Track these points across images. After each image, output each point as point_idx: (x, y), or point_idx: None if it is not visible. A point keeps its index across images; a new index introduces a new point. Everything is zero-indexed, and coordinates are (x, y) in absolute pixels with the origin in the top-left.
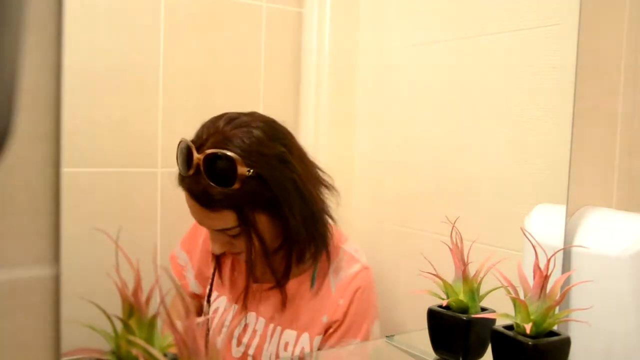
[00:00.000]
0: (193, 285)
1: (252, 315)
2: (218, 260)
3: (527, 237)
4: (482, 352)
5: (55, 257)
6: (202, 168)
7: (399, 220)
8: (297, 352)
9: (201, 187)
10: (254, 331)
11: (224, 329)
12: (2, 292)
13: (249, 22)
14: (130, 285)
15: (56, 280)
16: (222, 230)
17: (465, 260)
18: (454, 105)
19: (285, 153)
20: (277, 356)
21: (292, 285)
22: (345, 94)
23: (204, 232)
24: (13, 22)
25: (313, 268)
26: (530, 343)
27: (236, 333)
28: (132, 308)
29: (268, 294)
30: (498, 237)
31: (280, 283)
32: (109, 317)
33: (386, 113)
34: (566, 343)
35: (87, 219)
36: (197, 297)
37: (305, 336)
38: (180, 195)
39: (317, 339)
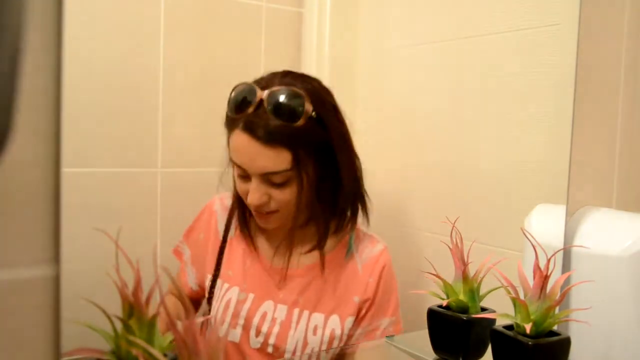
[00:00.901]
0: (192, 282)
1: (269, 304)
2: (222, 250)
3: (527, 237)
4: (482, 352)
5: (55, 257)
6: (265, 104)
7: (399, 220)
8: (327, 334)
9: (262, 121)
10: (273, 319)
11: (241, 321)
12: (2, 292)
13: (249, 22)
14: (130, 285)
15: (56, 280)
16: (271, 175)
17: (465, 260)
18: (454, 105)
19: (336, 106)
20: (305, 342)
21: (317, 267)
22: (344, 94)
23: (204, 225)
24: (13, 22)
25: (349, 236)
26: (530, 343)
27: (255, 322)
28: (132, 308)
29: (290, 276)
30: (498, 237)
31: (320, 244)
32: (109, 317)
33: (386, 113)
34: (566, 343)
35: (87, 219)
36: (194, 294)
37: (334, 318)
38: (181, 195)
39: (350, 320)
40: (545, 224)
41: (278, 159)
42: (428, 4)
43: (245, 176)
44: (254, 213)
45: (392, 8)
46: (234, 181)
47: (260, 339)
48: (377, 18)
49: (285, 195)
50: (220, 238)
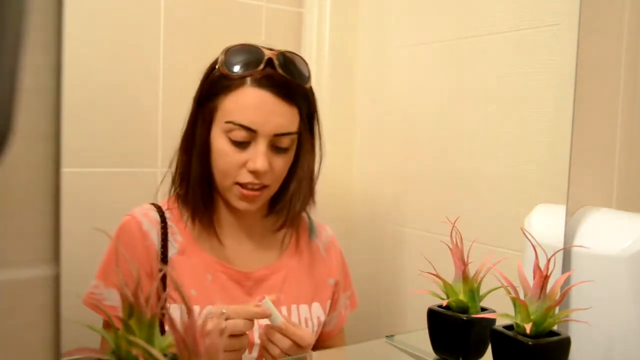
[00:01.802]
0: None
1: None
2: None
3: (527, 237)
4: (482, 352)
5: (55, 257)
6: (276, 62)
7: (399, 220)
8: (315, 324)
9: (279, 78)
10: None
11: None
12: (2, 292)
13: (249, 22)
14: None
15: (56, 280)
16: (281, 137)
17: (465, 260)
18: (454, 105)
19: None
20: None
21: (286, 258)
22: (345, 94)
23: (134, 253)
24: (13, 22)
25: (308, 220)
26: (530, 343)
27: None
28: (132, 308)
29: (262, 278)
30: (498, 237)
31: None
32: (109, 317)
33: (386, 113)
34: (566, 343)
35: (87, 219)
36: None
37: (316, 305)
38: None
39: (329, 303)
40: (545, 224)
41: (292, 118)
42: (428, 4)
43: (243, 143)
44: (238, 193)
45: (392, 8)
46: (199, 162)
47: (254, 353)
48: (377, 18)
49: (283, 165)
50: (160, 259)
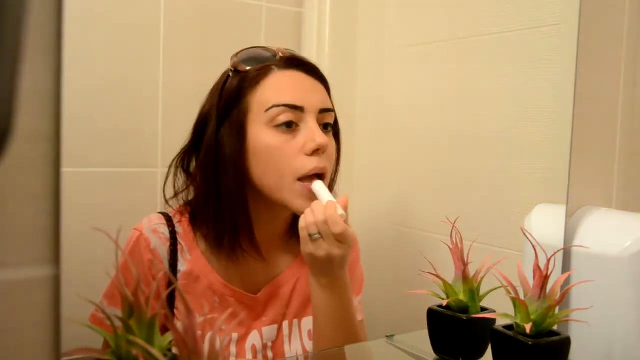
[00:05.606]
0: None
1: (254, 334)
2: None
3: (527, 237)
4: (482, 352)
5: (55, 257)
6: (287, 51)
7: (399, 220)
8: None
9: (301, 59)
10: (264, 346)
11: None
12: (2, 292)
13: (249, 22)
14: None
15: (56, 280)
16: (326, 113)
17: (465, 260)
18: (454, 105)
19: None
20: (304, 349)
21: (297, 266)
22: (344, 94)
23: (144, 273)
24: (13, 23)
25: None
26: (530, 343)
27: (250, 357)
28: (132, 308)
29: (270, 295)
30: (498, 237)
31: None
32: (109, 317)
33: (386, 113)
34: (566, 343)
35: (87, 219)
36: None
37: None
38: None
39: None
40: (545, 224)
41: (327, 96)
42: (428, 4)
43: (291, 126)
44: (301, 189)
45: (392, 8)
46: (235, 183)
47: None
48: (377, 18)
49: (333, 147)
50: (170, 278)
